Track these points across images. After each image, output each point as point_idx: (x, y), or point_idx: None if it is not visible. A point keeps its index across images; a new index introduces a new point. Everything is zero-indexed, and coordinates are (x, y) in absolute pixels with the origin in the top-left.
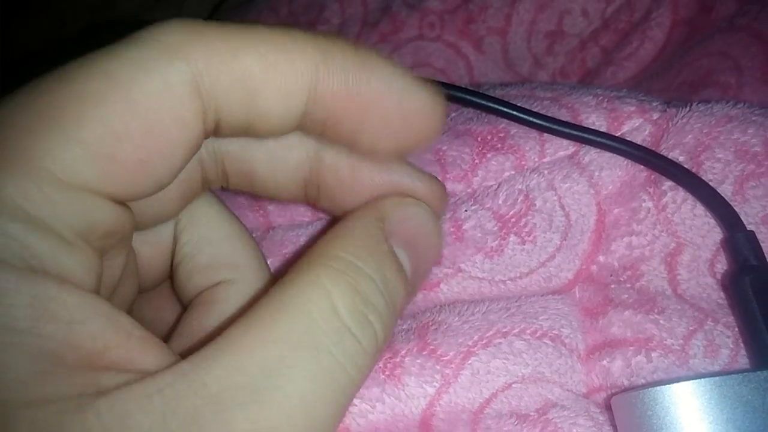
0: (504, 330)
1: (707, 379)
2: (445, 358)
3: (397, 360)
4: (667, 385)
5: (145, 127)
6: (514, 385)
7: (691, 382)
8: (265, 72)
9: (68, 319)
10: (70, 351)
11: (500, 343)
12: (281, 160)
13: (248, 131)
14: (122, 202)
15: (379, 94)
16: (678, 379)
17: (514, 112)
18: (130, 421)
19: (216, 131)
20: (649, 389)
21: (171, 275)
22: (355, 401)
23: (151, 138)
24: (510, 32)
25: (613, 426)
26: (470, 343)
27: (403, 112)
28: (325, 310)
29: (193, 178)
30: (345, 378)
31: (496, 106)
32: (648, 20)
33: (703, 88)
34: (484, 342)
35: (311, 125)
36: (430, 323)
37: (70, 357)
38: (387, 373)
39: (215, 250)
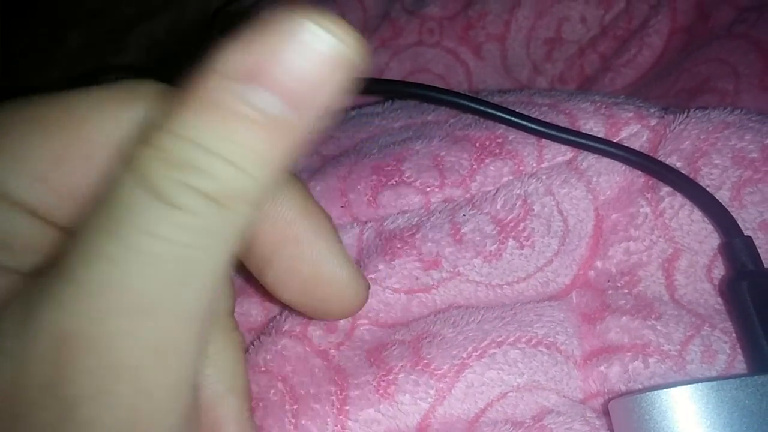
0: (499, 339)
1: (705, 383)
2: (439, 372)
3: (391, 378)
4: (665, 389)
5: (84, 155)
6: (509, 395)
7: (689, 386)
8: None
9: None
10: None
11: (495, 353)
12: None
13: None
14: (53, 225)
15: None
16: (676, 384)
17: (513, 118)
18: None
19: None
20: (647, 393)
21: None
22: (350, 423)
23: (88, 166)
24: (509, 38)
25: (610, 430)
26: (464, 355)
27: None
28: (138, 194)
29: None
30: (177, 249)
31: (494, 112)
32: (646, 27)
33: (701, 94)
34: (478, 353)
35: None
36: (424, 335)
37: None
38: (381, 392)
39: None
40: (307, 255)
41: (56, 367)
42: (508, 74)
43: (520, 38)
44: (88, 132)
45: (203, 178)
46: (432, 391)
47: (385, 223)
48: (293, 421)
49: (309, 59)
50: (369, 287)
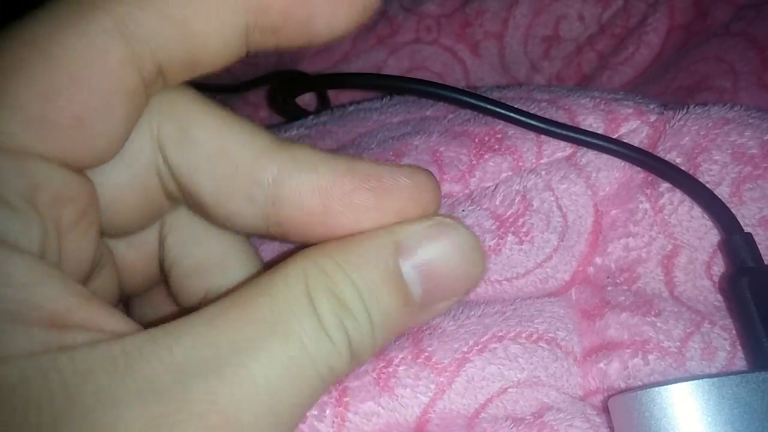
0: (500, 334)
1: (705, 379)
2: (440, 366)
3: (391, 370)
4: (665, 386)
5: (71, 82)
6: (509, 390)
7: (689, 382)
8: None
9: (23, 282)
10: (30, 311)
11: (495, 348)
12: (226, 187)
13: (195, 68)
14: (74, 169)
15: None
16: (676, 380)
17: (512, 114)
18: (90, 377)
19: (163, 77)
20: (647, 390)
21: (165, 278)
22: (350, 415)
23: (80, 92)
24: (507, 36)
25: (610, 428)
26: (465, 349)
27: None
28: (302, 303)
29: (150, 187)
30: (313, 372)
31: (493, 108)
32: (644, 25)
33: (700, 92)
34: (479, 347)
35: (261, 44)
36: (425, 327)
37: (30, 316)
38: (381, 384)
39: (203, 251)
40: None
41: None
42: (505, 72)
43: (517, 36)
44: (63, 57)
45: (354, 324)
46: (432, 385)
47: None
48: None
49: (459, 265)
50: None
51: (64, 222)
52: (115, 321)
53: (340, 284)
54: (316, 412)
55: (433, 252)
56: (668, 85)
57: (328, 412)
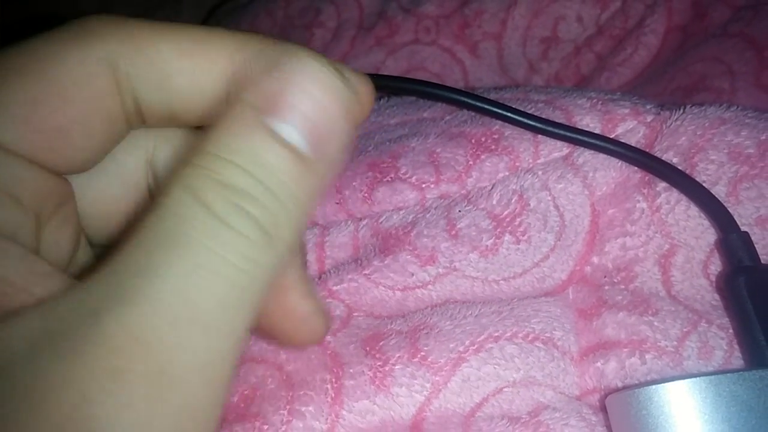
0: (496, 334)
1: (702, 377)
2: (436, 365)
3: (387, 369)
4: (663, 384)
5: (58, 95)
6: (505, 390)
7: (686, 380)
8: (179, 58)
9: None
10: None
11: (492, 348)
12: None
13: (170, 118)
14: (53, 172)
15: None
16: (673, 378)
17: (509, 114)
18: (4, 345)
19: (140, 117)
20: (644, 388)
21: None
22: (344, 413)
23: (64, 105)
24: (505, 37)
25: (607, 427)
26: (461, 348)
27: None
28: (192, 207)
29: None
30: (230, 270)
31: (490, 108)
32: (642, 27)
33: (697, 93)
34: (475, 347)
35: None
36: (422, 327)
37: None
38: (377, 383)
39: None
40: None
41: (114, 368)
42: (504, 73)
43: (516, 37)
44: (55, 73)
45: (254, 204)
46: (428, 384)
47: (380, 221)
48: (288, 407)
49: (325, 97)
50: (329, 323)
51: (43, 214)
52: (54, 287)
53: (224, 172)
54: (312, 409)
55: (292, 99)
56: (666, 86)
57: (323, 410)
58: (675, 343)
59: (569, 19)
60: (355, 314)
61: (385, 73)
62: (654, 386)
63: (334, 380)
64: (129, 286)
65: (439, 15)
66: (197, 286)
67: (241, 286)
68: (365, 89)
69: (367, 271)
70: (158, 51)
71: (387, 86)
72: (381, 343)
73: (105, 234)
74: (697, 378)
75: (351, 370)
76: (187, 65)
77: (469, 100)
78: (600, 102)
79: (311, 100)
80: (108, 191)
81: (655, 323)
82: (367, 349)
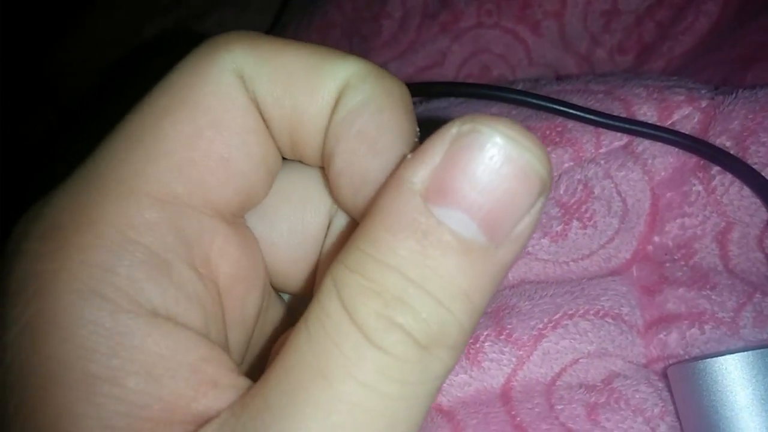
0: (570, 312)
1: (755, 351)
2: (520, 341)
3: (478, 346)
4: (718, 357)
5: (211, 123)
6: (581, 361)
7: (740, 354)
8: (306, 75)
9: (151, 372)
10: (152, 402)
11: (567, 324)
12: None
13: (293, 148)
14: (227, 218)
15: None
16: (729, 351)
17: (572, 111)
18: None
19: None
20: (701, 361)
21: None
22: (444, 386)
23: (221, 132)
24: (566, 14)
25: (671, 392)
26: (540, 326)
27: None
28: (338, 323)
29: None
30: (376, 400)
31: (555, 107)
32: None
33: (756, 62)
34: (552, 324)
35: None
36: (504, 307)
37: (152, 409)
38: (470, 359)
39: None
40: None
41: None
42: (566, 48)
43: (577, 13)
44: (199, 99)
45: (408, 315)
46: (513, 358)
47: None
48: None
49: (500, 175)
50: None
51: (222, 282)
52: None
53: (376, 277)
54: None
55: (464, 177)
56: (726, 55)
57: None
58: (732, 314)
59: None
60: None
61: (451, 60)
62: (711, 359)
63: None
64: (272, 417)
65: None
66: (343, 424)
67: (393, 414)
68: (538, 145)
69: None
70: (284, 65)
71: (457, 93)
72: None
73: (290, 287)
74: (751, 351)
75: None
76: (303, 86)
77: (537, 101)
78: (656, 90)
79: (492, 182)
80: (295, 252)
81: (713, 296)
82: None
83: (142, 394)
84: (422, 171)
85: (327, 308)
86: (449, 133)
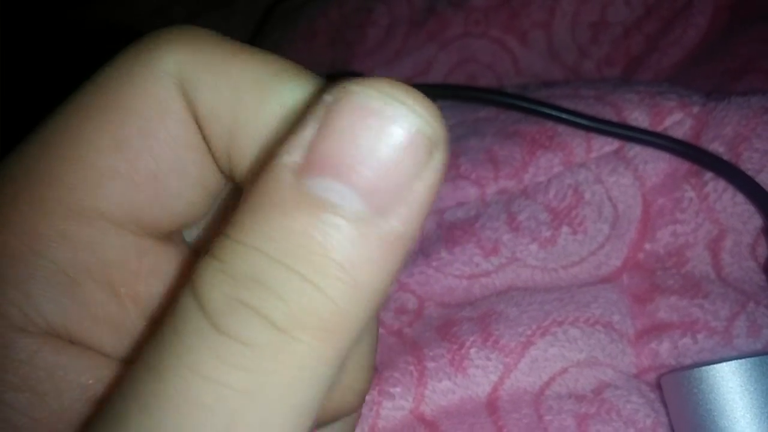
0: (559, 319)
1: (750, 359)
2: (507, 348)
3: (464, 352)
4: (712, 365)
5: (141, 132)
6: (570, 369)
7: (735, 362)
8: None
9: (35, 389)
10: (28, 421)
11: (556, 331)
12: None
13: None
14: (152, 234)
15: None
16: (723, 359)
17: (562, 115)
18: None
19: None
20: (695, 369)
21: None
22: (427, 392)
23: (152, 142)
24: (554, 25)
25: (663, 403)
26: (529, 332)
27: None
28: (189, 314)
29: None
30: (216, 394)
31: (545, 111)
32: (690, 7)
33: (745, 74)
34: (541, 331)
35: None
36: (491, 313)
37: (29, 426)
38: (455, 365)
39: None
40: None
41: None
42: (554, 59)
43: (564, 24)
44: (131, 105)
45: (269, 299)
46: (500, 365)
47: (444, 215)
48: (377, 388)
49: (379, 137)
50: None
51: (156, 303)
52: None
53: (230, 258)
54: (399, 390)
55: (339, 145)
56: (715, 67)
57: (410, 390)
58: (725, 323)
59: (617, 3)
60: (426, 304)
61: (437, 69)
62: (704, 367)
63: (416, 362)
64: (111, 419)
65: (488, 7)
66: (161, 426)
67: (229, 409)
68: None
69: (435, 263)
70: (230, 75)
71: (449, 95)
72: (454, 329)
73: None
74: (745, 359)
75: (431, 353)
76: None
77: (525, 104)
78: (648, 96)
79: (370, 146)
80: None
81: (706, 305)
82: (442, 335)
83: (19, 411)
84: (296, 146)
85: (179, 298)
86: (323, 102)
